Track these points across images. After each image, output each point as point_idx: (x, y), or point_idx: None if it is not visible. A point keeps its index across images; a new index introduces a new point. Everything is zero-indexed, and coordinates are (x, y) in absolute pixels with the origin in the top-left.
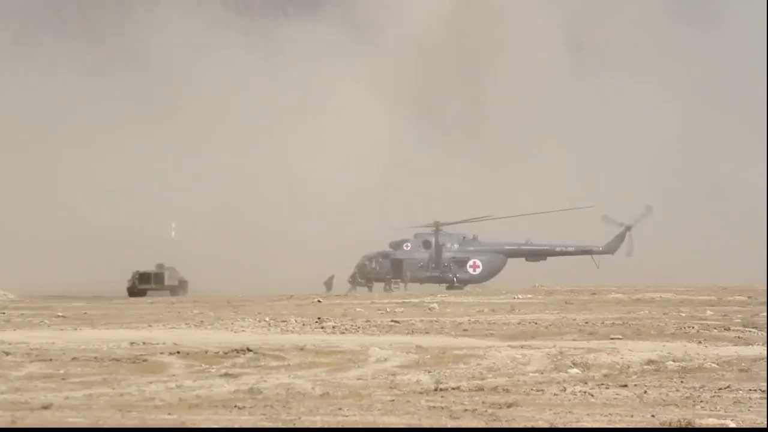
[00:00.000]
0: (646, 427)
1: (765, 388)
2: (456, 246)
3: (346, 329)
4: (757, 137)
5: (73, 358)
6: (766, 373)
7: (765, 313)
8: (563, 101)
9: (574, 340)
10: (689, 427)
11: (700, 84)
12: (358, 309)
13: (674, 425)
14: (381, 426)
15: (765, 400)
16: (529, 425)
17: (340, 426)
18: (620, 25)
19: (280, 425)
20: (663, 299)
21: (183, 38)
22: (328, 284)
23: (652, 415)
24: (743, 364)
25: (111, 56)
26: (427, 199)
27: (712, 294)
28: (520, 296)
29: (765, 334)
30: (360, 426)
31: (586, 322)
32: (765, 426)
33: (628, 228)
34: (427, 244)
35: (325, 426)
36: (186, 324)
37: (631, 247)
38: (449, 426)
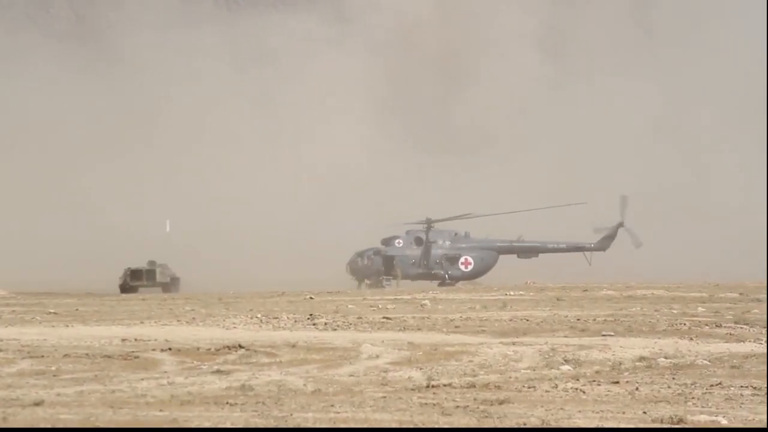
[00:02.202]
0: (647, 427)
1: (756, 385)
2: (447, 243)
3: (337, 326)
4: (742, 131)
5: (65, 355)
6: (765, 371)
7: (756, 310)
8: (544, 100)
9: (565, 336)
10: (688, 427)
11: (682, 79)
12: (350, 306)
13: (666, 422)
14: (373, 423)
15: (756, 397)
16: (520, 422)
17: (333, 424)
18: (598, 23)
19: (272, 422)
20: (654, 296)
21: (172, 34)
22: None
23: (644, 412)
24: (735, 360)
25: (100, 53)
26: (413, 197)
27: (703, 291)
28: (511, 293)
29: (756, 330)
30: (352, 423)
31: (578, 319)
32: (764, 426)
33: (620, 225)
34: (418, 241)
35: (318, 426)
36: (178, 321)
37: (636, 239)
38: (441, 426)
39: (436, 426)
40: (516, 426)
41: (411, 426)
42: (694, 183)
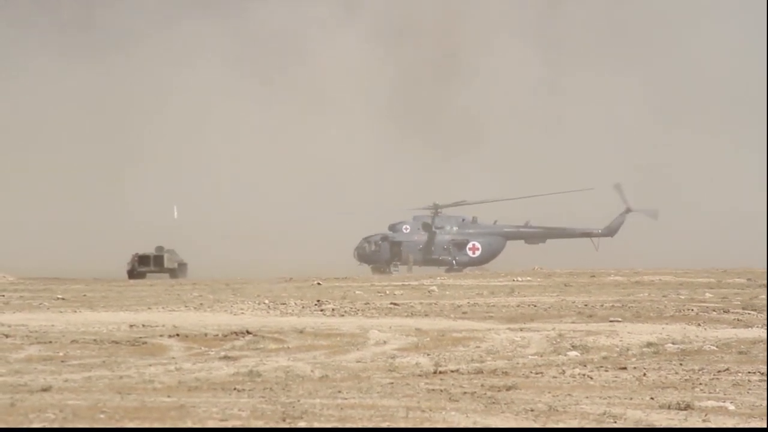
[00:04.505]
0: (647, 427)
1: (764, 371)
2: (455, 228)
3: (345, 312)
4: (738, 123)
5: (73, 341)
6: (766, 357)
7: (764, 296)
8: (540, 96)
9: (573, 322)
10: (687, 426)
11: (674, 75)
12: (357, 291)
13: (673, 407)
14: (381, 408)
15: (764, 383)
16: (528, 408)
17: (340, 410)
18: (591, 19)
19: (279, 407)
20: (662, 282)
21: (177, 20)
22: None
23: (652, 398)
24: (742, 346)
25: (105, 38)
26: (419, 184)
27: (711, 276)
28: (519, 279)
29: (764, 316)
30: (360, 409)
31: (586, 305)
32: (765, 426)
33: (628, 210)
34: (426, 226)
35: (326, 412)
36: (185, 306)
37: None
38: (451, 427)
39: (443, 417)
40: (520, 426)
41: (418, 410)
42: (695, 171)
